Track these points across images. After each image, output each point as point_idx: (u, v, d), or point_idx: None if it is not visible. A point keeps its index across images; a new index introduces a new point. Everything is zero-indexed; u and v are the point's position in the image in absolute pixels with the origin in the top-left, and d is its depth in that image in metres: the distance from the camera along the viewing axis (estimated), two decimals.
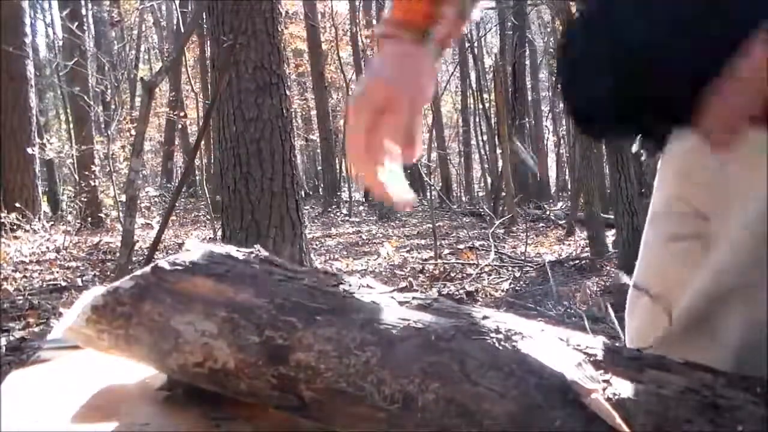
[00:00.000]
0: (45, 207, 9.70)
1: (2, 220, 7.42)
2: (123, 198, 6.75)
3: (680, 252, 0.66)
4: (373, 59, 0.69)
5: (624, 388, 0.47)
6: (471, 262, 5.47)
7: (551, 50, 15.00)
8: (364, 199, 17.18)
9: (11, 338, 3.20)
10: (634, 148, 0.74)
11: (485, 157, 14.23)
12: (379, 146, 0.64)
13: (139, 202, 6.88)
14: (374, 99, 0.63)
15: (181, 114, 14.90)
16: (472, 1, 0.66)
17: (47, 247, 6.89)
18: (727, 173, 0.62)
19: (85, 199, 9.06)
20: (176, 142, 17.93)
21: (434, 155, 13.90)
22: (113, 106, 11.71)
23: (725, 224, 0.61)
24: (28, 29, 9.49)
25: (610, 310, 2.79)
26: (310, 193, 19.85)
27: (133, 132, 8.75)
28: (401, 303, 0.61)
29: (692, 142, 0.66)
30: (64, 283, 4.76)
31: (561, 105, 15.84)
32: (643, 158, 0.75)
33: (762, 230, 0.58)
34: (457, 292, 4.28)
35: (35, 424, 0.61)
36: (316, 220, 11.74)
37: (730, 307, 0.60)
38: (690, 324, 0.63)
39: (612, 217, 5.43)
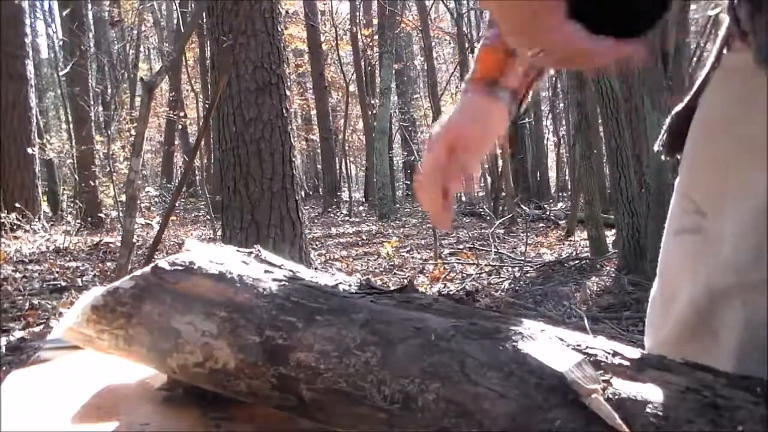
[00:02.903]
0: (45, 207, 9.70)
1: (2, 220, 7.42)
2: (123, 198, 6.75)
3: (683, 246, 0.67)
4: (453, 109, 0.82)
5: (624, 388, 0.47)
6: (471, 262, 5.47)
7: None
8: (364, 199, 17.19)
9: (11, 338, 3.20)
10: (656, 146, 0.75)
11: (485, 157, 14.19)
12: (452, 176, 0.76)
13: (139, 202, 6.88)
14: (448, 138, 0.76)
15: (181, 114, 14.91)
16: (535, 62, 0.69)
17: (47, 247, 6.89)
18: (726, 169, 0.62)
19: (85, 199, 9.06)
20: (176, 142, 17.94)
21: None
22: (113, 106, 11.71)
23: (722, 221, 0.62)
24: (28, 29, 9.48)
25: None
26: (310, 193, 19.86)
27: (133, 132, 8.76)
28: (401, 303, 0.61)
29: (702, 134, 0.67)
30: (64, 283, 4.75)
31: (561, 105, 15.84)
32: (663, 157, 0.76)
33: (759, 229, 0.58)
34: (457, 292, 4.28)
35: (35, 424, 0.61)
36: (316, 220, 11.74)
37: (730, 306, 0.60)
38: (694, 323, 0.64)
39: (612, 217, 5.43)
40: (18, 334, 3.30)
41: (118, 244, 4.99)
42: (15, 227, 7.61)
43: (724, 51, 0.66)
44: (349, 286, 0.64)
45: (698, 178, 0.67)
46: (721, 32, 0.67)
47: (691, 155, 0.68)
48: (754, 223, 0.59)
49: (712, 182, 0.64)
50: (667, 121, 0.73)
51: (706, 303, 0.62)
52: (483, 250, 6.12)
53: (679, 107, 0.71)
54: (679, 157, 0.71)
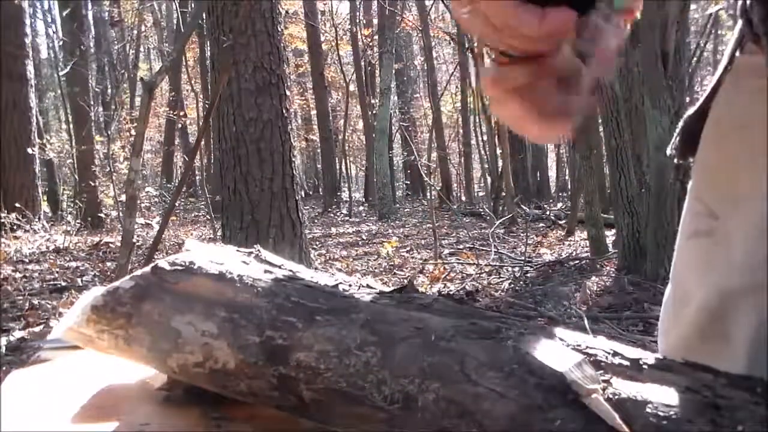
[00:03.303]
0: (45, 207, 9.70)
1: (2, 220, 7.42)
2: (123, 198, 6.75)
3: (695, 249, 0.67)
4: None
5: (624, 388, 0.47)
6: (471, 262, 5.47)
7: None
8: (364, 199, 17.19)
9: (11, 338, 3.21)
10: (669, 150, 0.74)
11: (485, 157, 14.21)
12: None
13: (139, 202, 6.88)
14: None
15: (181, 114, 14.92)
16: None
17: (47, 247, 6.90)
18: (737, 171, 0.62)
19: (85, 199, 9.06)
20: (176, 142, 17.95)
21: (434, 155, 13.90)
22: (113, 106, 11.73)
23: (733, 223, 0.62)
24: (28, 29, 9.49)
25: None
26: (310, 193, 19.88)
27: (133, 132, 8.76)
28: (401, 303, 0.61)
29: (714, 136, 0.67)
30: (64, 283, 4.76)
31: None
32: (675, 161, 0.75)
33: None
34: (457, 292, 4.28)
35: (35, 424, 0.61)
36: (316, 220, 11.74)
37: (742, 308, 0.60)
38: (705, 324, 0.64)
39: (612, 217, 5.43)
40: (18, 334, 3.31)
41: (118, 244, 4.99)
42: (15, 227, 7.62)
43: (737, 53, 0.66)
44: (349, 286, 0.64)
45: (710, 180, 0.67)
46: (735, 33, 0.67)
47: (703, 158, 0.68)
48: (765, 225, 0.59)
49: (723, 185, 0.64)
50: (680, 124, 0.72)
51: (717, 304, 0.62)
52: (483, 250, 6.13)
53: (691, 110, 0.71)
54: (692, 160, 0.71)
